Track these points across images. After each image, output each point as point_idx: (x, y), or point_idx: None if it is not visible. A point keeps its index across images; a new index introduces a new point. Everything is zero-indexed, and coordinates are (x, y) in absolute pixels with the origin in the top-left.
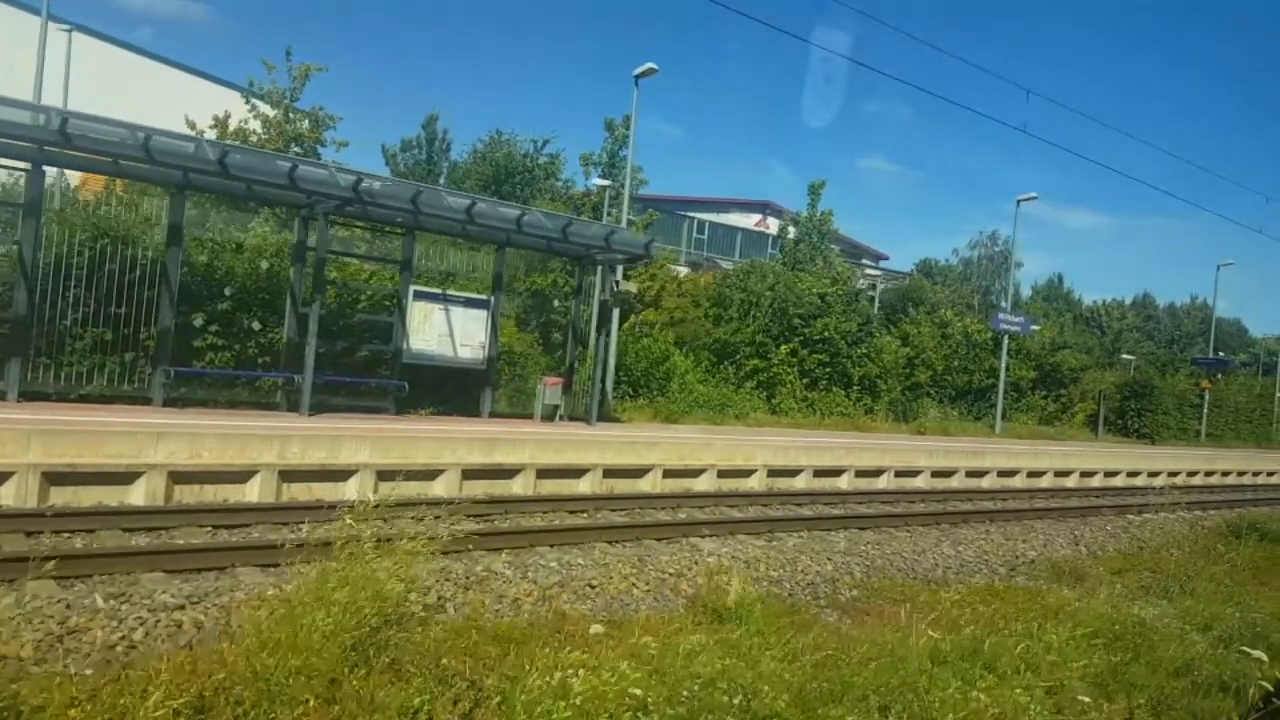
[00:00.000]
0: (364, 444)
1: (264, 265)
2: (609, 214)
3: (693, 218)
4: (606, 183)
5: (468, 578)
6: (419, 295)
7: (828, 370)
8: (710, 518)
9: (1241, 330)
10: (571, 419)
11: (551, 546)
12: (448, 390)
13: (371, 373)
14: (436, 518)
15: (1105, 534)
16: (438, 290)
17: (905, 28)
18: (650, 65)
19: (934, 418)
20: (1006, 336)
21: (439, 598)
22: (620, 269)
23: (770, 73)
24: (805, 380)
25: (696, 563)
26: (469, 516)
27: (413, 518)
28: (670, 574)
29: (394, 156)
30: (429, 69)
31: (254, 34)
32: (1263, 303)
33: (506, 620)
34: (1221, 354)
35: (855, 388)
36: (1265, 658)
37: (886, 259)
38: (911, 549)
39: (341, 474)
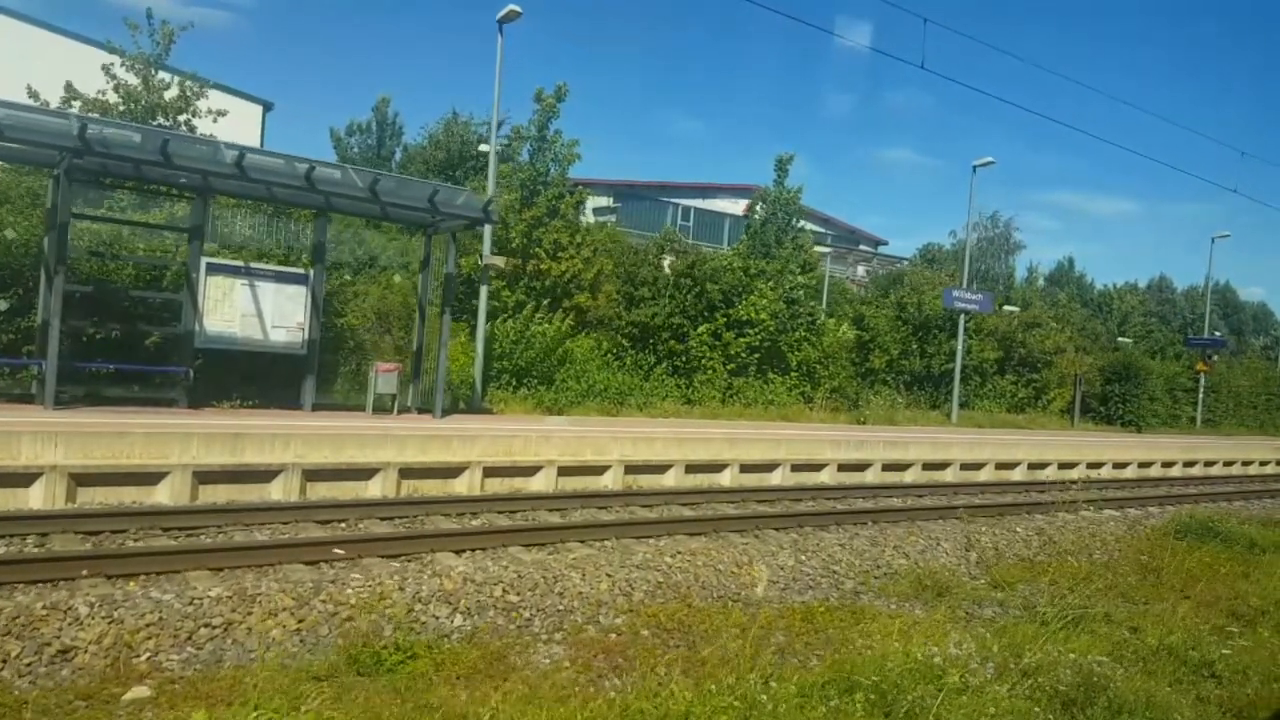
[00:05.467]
0: (51, 441)
1: (9, 235)
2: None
3: (676, 204)
4: (489, 147)
5: (15, 619)
6: (214, 268)
7: (757, 356)
8: (515, 525)
9: (1267, 313)
10: (420, 411)
11: (214, 571)
12: (264, 379)
13: (167, 359)
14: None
15: (1014, 537)
16: (238, 262)
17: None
18: (513, 8)
19: (878, 406)
20: (964, 316)
21: None
22: (488, 241)
23: (791, 64)
24: (731, 366)
25: (403, 589)
26: (167, 531)
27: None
28: (352, 605)
29: (341, 140)
30: (387, 48)
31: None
32: None
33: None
34: (1218, 333)
35: (793, 374)
36: None
37: (885, 244)
38: (734, 559)
39: (22, 478)
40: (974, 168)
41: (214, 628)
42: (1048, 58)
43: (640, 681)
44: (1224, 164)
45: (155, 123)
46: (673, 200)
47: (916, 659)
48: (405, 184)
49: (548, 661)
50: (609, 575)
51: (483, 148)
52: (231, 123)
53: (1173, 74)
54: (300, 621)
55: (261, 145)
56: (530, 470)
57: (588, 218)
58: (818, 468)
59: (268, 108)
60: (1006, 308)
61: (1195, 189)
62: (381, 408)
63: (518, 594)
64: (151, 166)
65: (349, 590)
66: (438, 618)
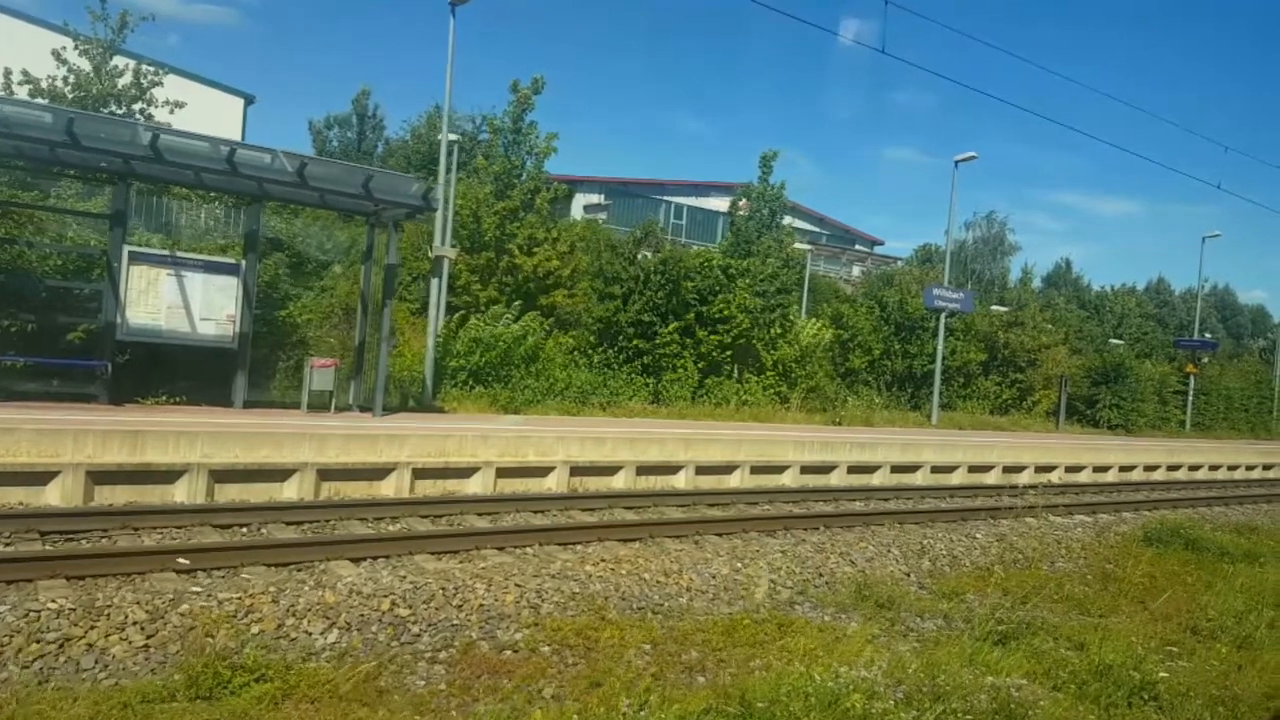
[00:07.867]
0: None
1: None
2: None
3: (670, 201)
4: (454, 137)
5: None
6: (138, 257)
7: (730, 354)
8: (427, 531)
9: (1264, 315)
10: (362, 409)
11: (71, 580)
12: (194, 375)
13: (91, 353)
14: None
15: (973, 543)
16: (164, 251)
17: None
18: None
19: (855, 407)
20: (944, 315)
21: None
22: (444, 232)
23: (793, 62)
24: (703, 365)
25: (278, 602)
26: (45, 536)
27: None
28: (214, 619)
29: (320, 133)
30: (373, 41)
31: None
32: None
33: None
34: (1209, 335)
35: (769, 374)
36: None
37: (881, 244)
38: (663, 567)
39: None
40: (956, 163)
41: (47, 644)
42: (1047, 56)
43: (514, 709)
44: (1212, 161)
45: (107, 111)
46: (666, 198)
47: (816, 681)
48: (337, 169)
49: (423, 683)
50: (518, 585)
51: (438, 136)
52: (213, 116)
53: (1167, 71)
54: (149, 637)
55: (243, 139)
56: (466, 472)
57: (577, 215)
58: (779, 470)
59: (249, 101)
60: (996, 308)
61: (1196, 190)
62: (319, 405)
63: (409, 607)
64: (66, 149)
65: (213, 602)
66: (309, 634)
